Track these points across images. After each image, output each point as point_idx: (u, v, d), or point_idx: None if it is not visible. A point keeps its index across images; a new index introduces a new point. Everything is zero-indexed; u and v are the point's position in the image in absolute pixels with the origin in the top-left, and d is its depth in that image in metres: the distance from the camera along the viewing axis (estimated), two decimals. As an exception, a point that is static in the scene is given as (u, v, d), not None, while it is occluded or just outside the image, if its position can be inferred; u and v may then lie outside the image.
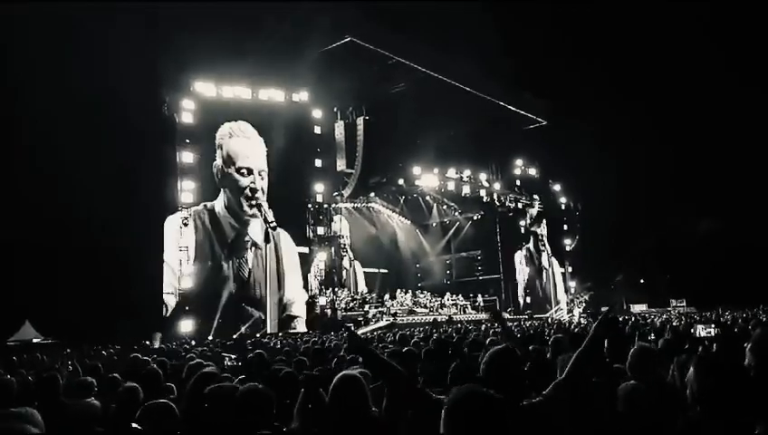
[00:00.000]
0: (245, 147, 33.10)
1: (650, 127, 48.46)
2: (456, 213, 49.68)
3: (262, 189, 32.98)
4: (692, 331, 9.40)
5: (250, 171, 32.91)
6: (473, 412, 2.54)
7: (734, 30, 43.74)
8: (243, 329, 29.86)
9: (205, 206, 32.08)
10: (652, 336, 11.19)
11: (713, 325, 9.33)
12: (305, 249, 35.13)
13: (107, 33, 25.99)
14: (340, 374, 4.19)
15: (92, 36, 25.83)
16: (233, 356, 9.46)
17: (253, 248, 32.80)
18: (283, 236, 33.71)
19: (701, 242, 45.09)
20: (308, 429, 4.28)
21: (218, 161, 32.50)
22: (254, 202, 32.62)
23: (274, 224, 32.49)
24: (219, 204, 32.44)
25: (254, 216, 32.68)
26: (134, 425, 4.72)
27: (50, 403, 5.35)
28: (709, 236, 44.45)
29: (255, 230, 32.79)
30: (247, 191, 32.67)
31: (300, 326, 32.99)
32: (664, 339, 8.14)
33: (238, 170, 32.71)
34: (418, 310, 39.15)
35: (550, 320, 35.40)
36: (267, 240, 32.51)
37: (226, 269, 32.11)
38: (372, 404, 4.14)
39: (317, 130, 36.26)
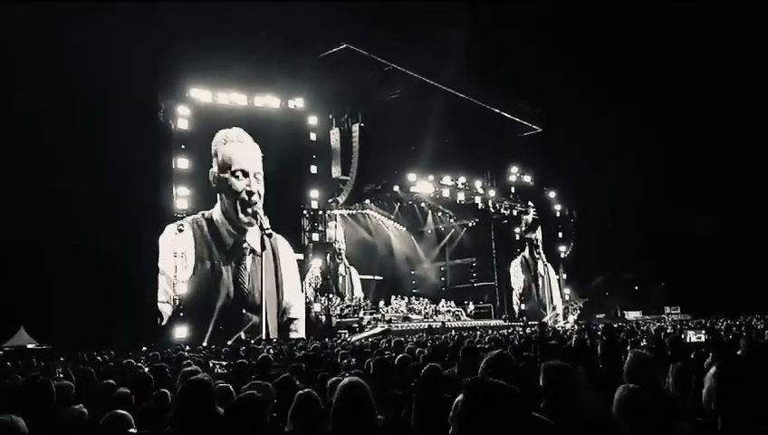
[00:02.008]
0: (240, 151, 33.03)
1: (645, 133, 48.66)
2: (451, 220, 49.74)
3: (258, 193, 32.93)
4: (682, 336, 9.45)
5: (245, 174, 32.81)
6: (491, 401, 2.44)
7: (727, 30, 43.97)
8: (240, 334, 29.85)
9: (203, 214, 32.02)
10: (644, 342, 11.20)
11: (703, 331, 9.38)
12: (300, 256, 35.10)
13: (103, 38, 25.93)
14: (345, 381, 4.19)
15: (88, 41, 25.77)
16: (223, 363, 9.45)
17: (251, 255, 32.75)
18: (281, 242, 33.70)
19: (700, 239, 45.25)
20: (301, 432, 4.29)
21: (214, 168, 32.43)
22: (250, 207, 32.55)
23: (270, 231, 32.43)
24: (217, 211, 32.39)
25: (250, 223, 32.63)
26: (132, 430, 4.75)
27: (42, 410, 5.33)
28: (707, 233, 44.64)
29: (253, 237, 32.72)
30: (244, 195, 32.58)
31: (300, 329, 33.10)
32: (657, 346, 8.16)
33: (233, 174, 32.64)
34: (413, 317, 39.18)
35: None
36: (263, 247, 32.46)
37: (225, 276, 32.03)
38: (377, 411, 4.16)
39: (312, 136, 36.18)
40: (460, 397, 2.54)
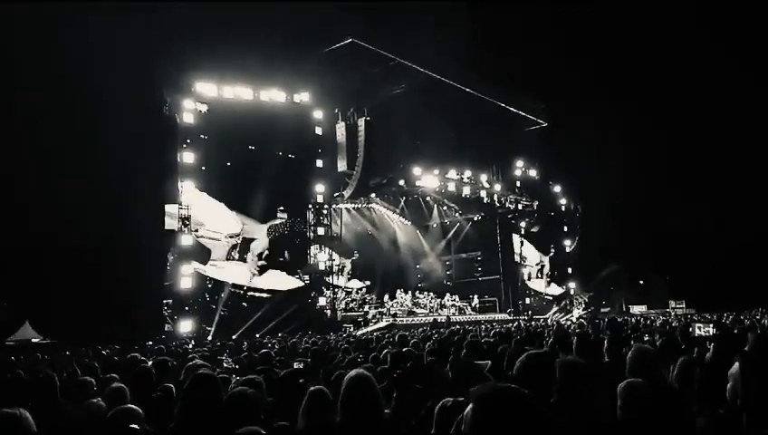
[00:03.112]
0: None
1: (650, 128, 48.59)
2: (457, 214, 49.65)
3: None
4: (690, 330, 9.41)
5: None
6: (507, 408, 2.31)
7: (731, 30, 43.77)
8: (242, 330, 29.87)
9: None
10: (646, 337, 11.18)
11: (711, 325, 9.33)
12: (305, 249, 35.24)
13: (106, 34, 25.94)
14: (352, 374, 4.20)
15: (91, 37, 25.78)
16: (230, 359, 9.48)
17: (254, 251, 32.96)
18: (285, 237, 33.97)
19: (703, 235, 45.26)
20: (312, 428, 4.30)
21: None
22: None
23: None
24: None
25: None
26: (132, 425, 4.74)
27: (47, 404, 5.35)
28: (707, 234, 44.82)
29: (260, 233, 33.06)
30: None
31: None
32: (663, 339, 8.13)
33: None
34: (418, 311, 39.19)
35: (549, 321, 35.39)
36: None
37: (228, 271, 32.27)
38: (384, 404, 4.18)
39: (318, 130, 36.22)
40: (470, 406, 2.41)
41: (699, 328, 9.09)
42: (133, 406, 4.94)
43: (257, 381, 4.97)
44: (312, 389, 4.67)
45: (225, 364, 10.49)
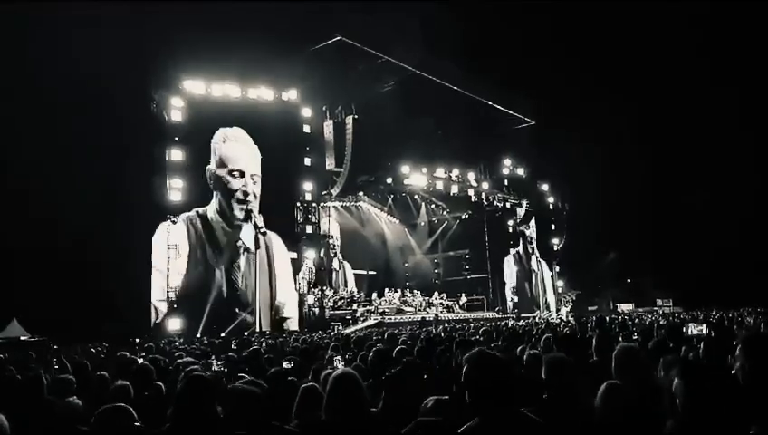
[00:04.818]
0: (238, 151, 33.07)
1: (638, 126, 48.75)
2: (445, 212, 49.71)
3: (254, 193, 32.93)
4: (684, 329, 9.41)
5: (242, 174, 32.84)
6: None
7: (722, 30, 43.94)
8: (230, 328, 29.80)
9: (197, 212, 31.93)
10: (635, 336, 11.21)
11: (704, 325, 9.32)
12: (294, 254, 35.12)
13: (96, 30, 25.82)
14: (337, 372, 4.21)
15: (80, 33, 25.65)
16: (219, 362, 9.48)
17: (245, 253, 32.73)
18: (275, 240, 33.74)
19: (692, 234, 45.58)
20: (299, 427, 4.30)
21: (212, 165, 32.44)
22: (245, 206, 32.56)
23: (264, 229, 32.49)
24: (212, 209, 32.33)
25: (245, 220, 32.67)
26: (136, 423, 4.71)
27: (35, 403, 5.33)
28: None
29: (247, 235, 32.71)
30: (239, 194, 32.61)
31: (292, 326, 33.03)
32: (655, 339, 8.14)
33: (230, 172, 32.64)
34: (407, 309, 39.16)
35: (537, 320, 35.47)
36: (258, 246, 32.44)
37: (218, 275, 31.96)
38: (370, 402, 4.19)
39: (306, 128, 36.18)
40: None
41: (693, 327, 9.08)
42: (124, 404, 4.90)
43: (259, 382, 4.95)
44: (305, 386, 4.68)
45: (214, 367, 10.47)
